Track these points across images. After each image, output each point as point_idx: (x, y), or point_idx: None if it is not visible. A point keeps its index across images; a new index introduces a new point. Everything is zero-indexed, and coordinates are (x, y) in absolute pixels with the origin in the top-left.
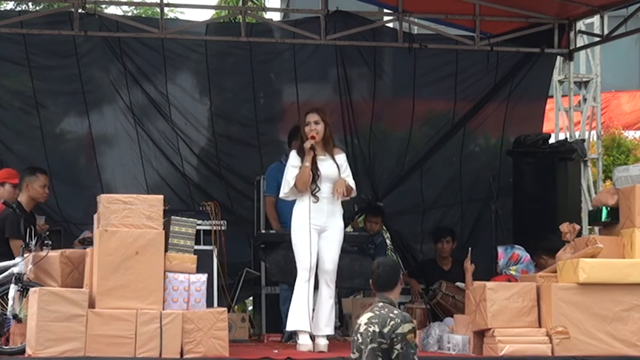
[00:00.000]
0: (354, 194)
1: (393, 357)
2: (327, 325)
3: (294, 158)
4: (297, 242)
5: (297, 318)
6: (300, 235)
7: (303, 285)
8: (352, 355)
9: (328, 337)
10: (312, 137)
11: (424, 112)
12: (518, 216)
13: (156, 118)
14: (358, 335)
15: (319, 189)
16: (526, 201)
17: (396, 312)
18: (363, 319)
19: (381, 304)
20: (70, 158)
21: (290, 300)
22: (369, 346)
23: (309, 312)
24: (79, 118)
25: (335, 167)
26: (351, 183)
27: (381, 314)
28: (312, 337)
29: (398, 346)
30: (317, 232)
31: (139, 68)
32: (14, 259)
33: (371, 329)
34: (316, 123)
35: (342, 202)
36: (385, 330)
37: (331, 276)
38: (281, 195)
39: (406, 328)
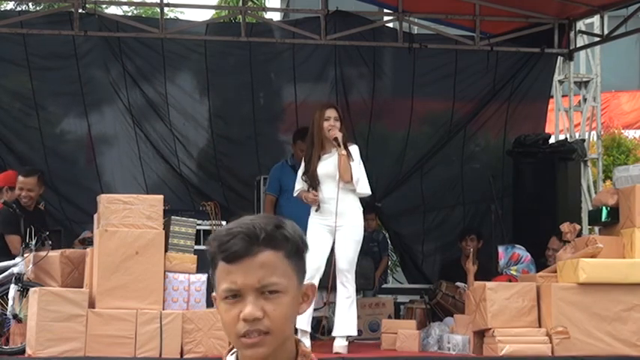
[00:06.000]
0: (350, 181)
1: None
2: (346, 326)
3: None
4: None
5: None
6: (310, 234)
7: None
8: None
9: (349, 338)
10: (333, 135)
11: (423, 112)
12: (518, 216)
13: (154, 119)
14: None
15: (321, 192)
16: (526, 201)
17: None
18: None
19: None
20: (69, 159)
21: None
22: None
23: (310, 312)
24: (78, 119)
25: (334, 165)
26: (356, 174)
27: None
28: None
29: None
30: (329, 232)
31: (139, 68)
32: (10, 256)
33: None
34: (336, 119)
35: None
36: None
37: (347, 276)
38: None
39: None
